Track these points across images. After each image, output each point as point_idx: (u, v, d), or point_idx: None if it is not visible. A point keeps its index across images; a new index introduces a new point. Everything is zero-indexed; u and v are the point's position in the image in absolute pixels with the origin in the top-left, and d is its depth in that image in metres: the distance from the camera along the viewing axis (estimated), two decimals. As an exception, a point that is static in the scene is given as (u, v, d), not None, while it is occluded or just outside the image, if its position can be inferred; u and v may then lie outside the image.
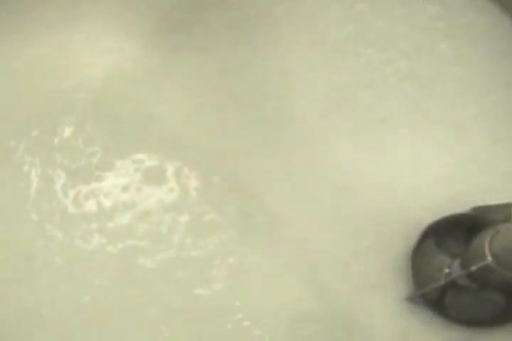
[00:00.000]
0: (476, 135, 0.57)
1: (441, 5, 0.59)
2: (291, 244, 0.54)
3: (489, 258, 0.46)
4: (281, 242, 0.54)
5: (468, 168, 0.56)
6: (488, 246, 0.46)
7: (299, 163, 0.56)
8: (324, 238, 0.55)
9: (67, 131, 0.56)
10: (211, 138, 0.56)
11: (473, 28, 0.59)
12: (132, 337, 0.52)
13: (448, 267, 0.53)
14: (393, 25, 0.59)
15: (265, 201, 0.55)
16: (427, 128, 0.57)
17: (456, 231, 0.54)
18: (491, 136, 0.57)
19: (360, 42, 0.58)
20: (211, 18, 0.58)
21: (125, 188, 0.55)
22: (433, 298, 0.53)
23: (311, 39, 0.58)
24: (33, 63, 0.57)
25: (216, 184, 0.55)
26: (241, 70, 0.58)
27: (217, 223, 0.54)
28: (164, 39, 0.58)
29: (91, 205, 0.54)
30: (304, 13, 0.59)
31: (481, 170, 0.56)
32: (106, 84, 0.57)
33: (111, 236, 0.54)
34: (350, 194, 0.55)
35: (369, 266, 0.54)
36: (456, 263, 0.51)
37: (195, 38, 0.58)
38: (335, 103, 0.57)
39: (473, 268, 0.47)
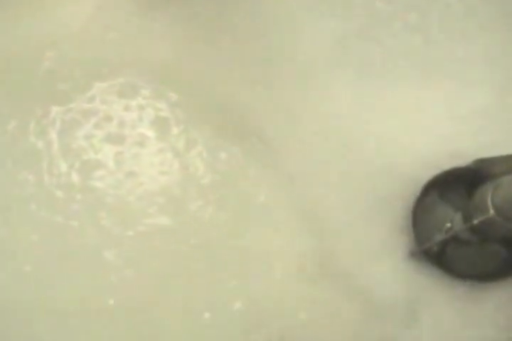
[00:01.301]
0: (482, 89, 0.56)
1: None
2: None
3: (492, 211, 0.45)
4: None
5: (473, 122, 0.56)
6: (490, 199, 0.46)
7: (298, 108, 0.56)
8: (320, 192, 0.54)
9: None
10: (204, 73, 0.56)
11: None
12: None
13: (450, 221, 0.52)
14: None
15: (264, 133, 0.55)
16: (432, 82, 0.57)
17: (458, 184, 0.53)
18: (496, 91, 0.56)
19: None
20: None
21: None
22: (435, 252, 0.53)
23: None
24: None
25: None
26: (251, 12, 0.57)
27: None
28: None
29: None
30: None
31: (485, 124, 0.56)
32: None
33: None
34: (350, 147, 0.55)
35: (370, 223, 0.53)
36: (458, 217, 0.50)
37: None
38: (340, 53, 0.57)
39: (476, 221, 0.47)
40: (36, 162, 0.53)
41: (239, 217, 0.53)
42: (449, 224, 0.52)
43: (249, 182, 0.54)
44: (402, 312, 0.52)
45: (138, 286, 0.52)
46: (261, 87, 0.55)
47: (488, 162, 0.51)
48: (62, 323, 0.51)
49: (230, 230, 0.53)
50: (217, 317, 0.51)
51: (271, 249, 0.53)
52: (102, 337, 0.51)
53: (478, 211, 0.47)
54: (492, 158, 0.51)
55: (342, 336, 0.52)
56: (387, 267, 0.53)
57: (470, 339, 0.52)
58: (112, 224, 0.52)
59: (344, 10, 0.57)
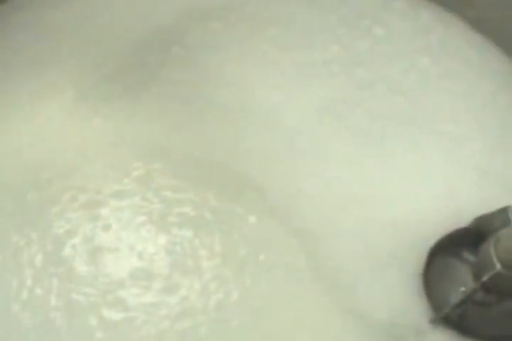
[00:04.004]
0: (474, 147, 0.58)
1: (414, 23, 0.62)
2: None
3: (498, 266, 0.45)
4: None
5: (468, 178, 0.57)
6: (494, 254, 0.46)
7: (295, 173, 0.56)
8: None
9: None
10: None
11: (447, 43, 0.61)
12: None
13: (463, 285, 0.52)
14: (375, 46, 0.61)
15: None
16: (423, 142, 0.58)
17: (463, 246, 0.53)
18: (487, 146, 0.58)
19: (346, 63, 0.60)
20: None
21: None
22: (455, 318, 0.52)
23: (297, 61, 0.60)
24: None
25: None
26: (235, 85, 0.59)
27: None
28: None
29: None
30: (289, 37, 0.61)
31: (481, 180, 0.57)
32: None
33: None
34: (346, 212, 0.55)
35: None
36: (470, 278, 0.50)
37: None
38: (327, 120, 0.58)
39: (485, 278, 0.47)
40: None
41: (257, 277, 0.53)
42: (463, 288, 0.52)
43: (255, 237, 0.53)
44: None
45: None
46: (255, 157, 0.56)
47: (486, 218, 0.51)
48: None
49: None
50: None
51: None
52: None
53: (486, 268, 0.47)
54: (488, 214, 0.51)
55: None
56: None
57: None
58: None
59: (326, 79, 0.59)
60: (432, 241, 0.53)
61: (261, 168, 0.56)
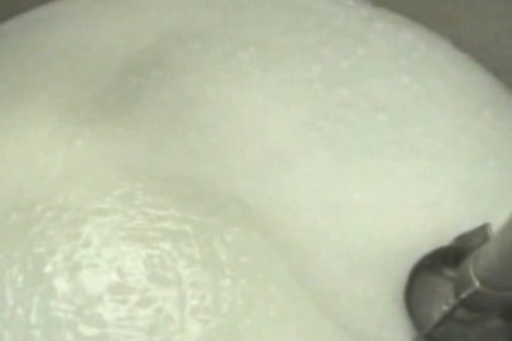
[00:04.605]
0: (456, 162, 0.58)
1: (396, 42, 0.62)
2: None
3: (477, 283, 0.45)
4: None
5: (451, 195, 0.57)
6: (473, 272, 0.46)
7: (280, 188, 0.57)
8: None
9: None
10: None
11: (430, 61, 0.62)
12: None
13: (446, 303, 0.52)
14: (358, 65, 0.61)
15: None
16: (405, 159, 0.58)
17: (445, 265, 0.53)
18: (469, 162, 0.58)
19: (329, 81, 0.60)
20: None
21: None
22: (437, 336, 0.52)
23: (279, 80, 0.60)
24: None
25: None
26: (209, 106, 0.59)
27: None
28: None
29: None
30: (270, 57, 0.61)
31: (464, 197, 0.57)
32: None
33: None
34: (327, 227, 0.55)
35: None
36: (452, 296, 0.50)
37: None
38: (310, 136, 0.58)
39: (463, 295, 0.47)
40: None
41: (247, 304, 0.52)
42: (445, 306, 0.52)
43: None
44: None
45: None
46: (237, 173, 0.57)
47: (466, 236, 0.51)
48: None
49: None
50: None
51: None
52: None
53: (465, 286, 0.47)
54: (468, 231, 0.51)
55: None
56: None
57: None
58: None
59: (309, 98, 0.60)
60: (415, 259, 0.53)
61: (243, 183, 0.56)
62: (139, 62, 0.61)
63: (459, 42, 0.62)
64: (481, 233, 0.49)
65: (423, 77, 0.61)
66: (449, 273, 0.53)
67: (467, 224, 0.52)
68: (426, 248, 0.54)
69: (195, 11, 0.63)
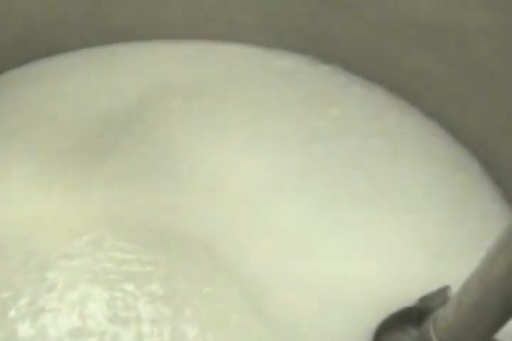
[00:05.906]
0: (425, 223, 0.59)
1: (370, 106, 0.65)
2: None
3: (436, 344, 0.46)
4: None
5: (419, 257, 0.58)
6: (433, 332, 0.46)
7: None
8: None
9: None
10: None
11: (401, 125, 0.64)
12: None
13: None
14: (332, 125, 0.63)
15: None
16: (376, 217, 0.59)
17: (410, 323, 0.53)
18: (438, 223, 0.59)
19: (303, 138, 0.62)
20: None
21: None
22: None
23: (255, 133, 0.62)
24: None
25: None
26: (186, 158, 0.61)
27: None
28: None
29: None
30: (247, 112, 0.63)
31: (431, 258, 0.58)
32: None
33: None
34: (292, 273, 0.56)
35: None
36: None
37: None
38: (279, 190, 0.60)
39: (424, 356, 0.47)
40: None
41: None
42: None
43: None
44: None
45: None
46: (208, 222, 0.58)
47: (428, 297, 0.52)
48: None
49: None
50: None
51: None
52: None
53: (426, 347, 0.47)
54: (430, 293, 0.52)
55: None
56: None
57: None
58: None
59: (284, 152, 0.62)
60: (381, 317, 0.54)
61: (214, 231, 0.57)
62: (119, 116, 0.62)
63: (430, 110, 0.65)
64: (441, 294, 0.50)
65: (395, 139, 0.63)
66: (414, 332, 0.53)
67: (433, 286, 0.53)
68: (394, 308, 0.54)
69: (176, 67, 0.66)
